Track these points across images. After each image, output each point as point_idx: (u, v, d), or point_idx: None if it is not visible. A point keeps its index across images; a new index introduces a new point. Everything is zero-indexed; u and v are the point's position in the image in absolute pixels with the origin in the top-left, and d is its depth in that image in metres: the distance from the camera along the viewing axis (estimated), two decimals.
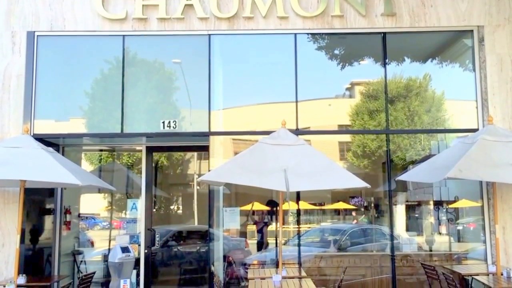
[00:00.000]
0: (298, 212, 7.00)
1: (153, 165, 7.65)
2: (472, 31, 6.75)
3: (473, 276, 5.88)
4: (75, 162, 6.62)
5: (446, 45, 7.07)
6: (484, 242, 6.49)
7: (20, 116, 6.51)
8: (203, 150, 6.90)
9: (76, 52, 6.88)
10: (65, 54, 6.89)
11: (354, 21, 6.71)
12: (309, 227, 8.39)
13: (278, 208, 5.71)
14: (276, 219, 7.89)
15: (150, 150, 7.31)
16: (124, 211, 8.40)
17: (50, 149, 5.83)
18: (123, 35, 6.75)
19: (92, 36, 6.76)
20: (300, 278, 5.92)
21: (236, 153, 6.45)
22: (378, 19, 6.72)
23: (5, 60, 6.59)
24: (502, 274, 5.66)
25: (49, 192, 6.95)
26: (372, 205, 8.30)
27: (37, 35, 6.68)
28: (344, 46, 7.19)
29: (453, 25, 6.71)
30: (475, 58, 6.71)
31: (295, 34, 6.78)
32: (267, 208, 8.09)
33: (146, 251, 7.06)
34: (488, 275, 5.81)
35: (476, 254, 6.80)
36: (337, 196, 8.48)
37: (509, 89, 6.54)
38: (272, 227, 8.18)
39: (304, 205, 7.45)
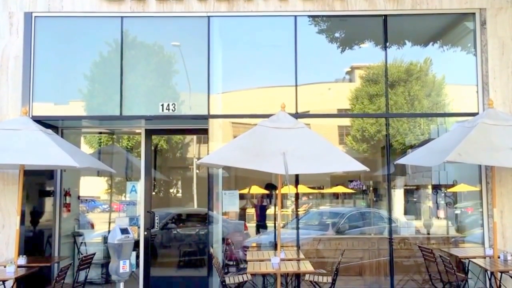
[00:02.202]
0: (297, 195, 7.03)
1: (153, 148, 7.65)
2: (474, 14, 6.68)
3: (470, 259, 5.93)
4: (75, 145, 6.61)
5: (448, 28, 7.00)
6: (482, 226, 6.53)
7: (18, 98, 6.48)
8: (203, 133, 6.89)
9: (74, 33, 6.82)
10: (63, 36, 6.83)
11: (355, 3, 6.63)
12: (307, 210, 8.45)
13: (277, 191, 5.72)
14: (275, 202, 7.92)
15: (149, 133, 7.30)
16: (123, 194, 8.42)
17: (49, 130, 5.82)
18: (121, 16, 6.67)
19: (89, 17, 6.69)
20: (298, 260, 5.97)
21: (235, 137, 6.43)
22: (380, 1, 6.63)
23: (3, 41, 6.54)
24: (499, 257, 5.71)
25: (49, 174, 6.97)
26: (371, 189, 8.33)
27: (35, 16, 6.61)
28: (344, 29, 7.12)
29: (455, 8, 6.63)
30: (477, 41, 6.65)
31: (295, 16, 6.70)
32: (266, 191, 8.11)
33: (145, 233, 7.11)
34: (485, 258, 5.86)
35: (474, 238, 6.85)
36: (336, 180, 8.50)
37: (510, 73, 6.50)
38: (271, 210, 8.22)
39: (303, 188, 7.48)
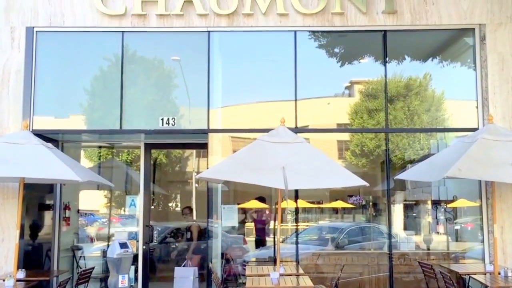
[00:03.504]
0: (297, 210, 7.01)
1: (152, 162, 7.67)
2: (473, 29, 6.70)
3: (470, 275, 5.88)
4: (74, 159, 6.63)
5: (447, 43, 7.03)
6: (482, 241, 6.49)
7: (19, 112, 6.51)
8: (202, 147, 6.90)
9: (75, 48, 6.86)
10: (64, 50, 6.87)
11: (355, 19, 6.66)
12: (307, 225, 8.42)
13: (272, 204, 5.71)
14: (275, 217, 7.90)
15: (148, 147, 7.32)
16: (123, 208, 8.44)
17: (50, 144, 5.83)
18: (122, 31, 6.72)
19: (91, 32, 6.73)
20: (297, 275, 5.93)
21: (234, 151, 6.44)
22: (379, 17, 6.67)
23: (4, 55, 6.58)
24: (499, 274, 5.66)
25: (49, 188, 6.97)
26: (370, 203, 8.31)
27: (36, 31, 6.66)
28: (344, 44, 7.15)
29: (455, 23, 6.66)
30: (476, 57, 6.66)
31: (295, 31, 6.73)
32: (265, 206, 8.09)
33: (144, 247, 7.09)
34: (485, 274, 5.82)
35: (474, 254, 6.81)
36: (335, 194, 8.49)
37: (510, 88, 6.50)
38: (270, 224, 8.20)
39: (302, 203, 7.46)
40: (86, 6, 6.67)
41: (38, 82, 6.63)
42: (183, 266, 7.20)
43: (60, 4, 6.67)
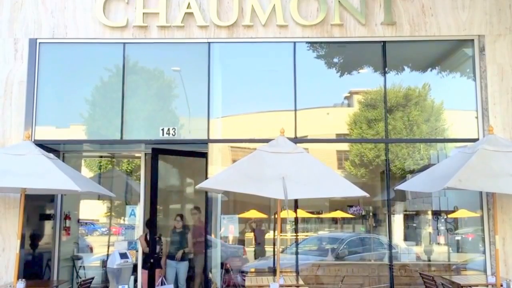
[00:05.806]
0: (296, 220, 6.99)
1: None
2: (472, 40, 6.72)
3: (472, 287, 5.83)
4: (75, 169, 6.66)
5: (446, 54, 7.04)
6: (484, 253, 6.44)
7: (21, 122, 6.57)
8: (202, 156, 6.92)
9: (77, 59, 6.93)
10: (66, 61, 6.94)
11: (354, 30, 6.70)
12: (307, 236, 8.39)
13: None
14: (274, 228, 7.87)
15: (149, 156, 7.33)
16: (122, 217, 8.46)
17: (51, 155, 5.88)
18: (124, 43, 6.79)
19: (93, 43, 6.81)
20: (297, 286, 5.91)
21: (234, 161, 6.45)
22: (378, 28, 6.71)
23: (8, 66, 6.67)
24: (501, 286, 5.60)
25: (50, 197, 7.01)
26: (370, 214, 8.27)
27: (39, 42, 6.75)
28: (343, 55, 7.19)
29: (454, 34, 6.69)
30: (476, 67, 6.67)
31: (294, 42, 6.79)
32: (265, 215, 8.07)
33: (143, 257, 7.08)
34: (487, 286, 5.78)
35: (475, 265, 6.75)
36: (335, 204, 8.46)
37: (509, 99, 6.50)
38: (269, 235, 8.17)
39: (302, 213, 7.44)
40: (89, 18, 6.76)
41: (40, 93, 6.70)
42: (162, 285, 7.15)
43: (63, 16, 6.76)
